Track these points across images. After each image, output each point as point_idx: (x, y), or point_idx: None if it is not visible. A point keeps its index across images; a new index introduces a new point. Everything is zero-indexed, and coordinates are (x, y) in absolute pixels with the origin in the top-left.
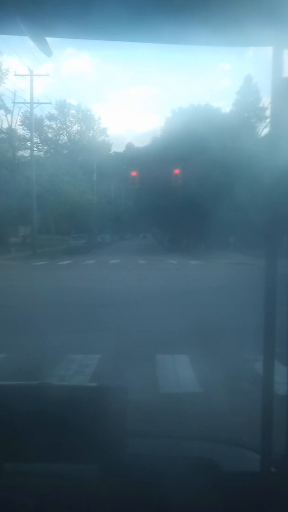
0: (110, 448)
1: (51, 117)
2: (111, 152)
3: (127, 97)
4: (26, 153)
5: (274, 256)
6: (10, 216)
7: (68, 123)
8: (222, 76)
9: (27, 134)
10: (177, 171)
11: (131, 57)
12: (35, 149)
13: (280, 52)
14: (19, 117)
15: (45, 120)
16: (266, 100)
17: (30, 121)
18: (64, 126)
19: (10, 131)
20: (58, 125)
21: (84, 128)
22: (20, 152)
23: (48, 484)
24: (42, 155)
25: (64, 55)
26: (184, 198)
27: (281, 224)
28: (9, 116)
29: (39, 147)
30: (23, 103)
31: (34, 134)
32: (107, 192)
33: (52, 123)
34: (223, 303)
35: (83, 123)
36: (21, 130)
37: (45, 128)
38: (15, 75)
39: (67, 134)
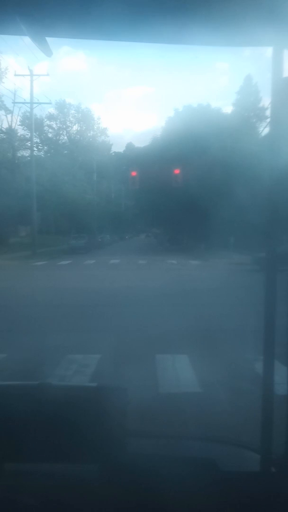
0: (110, 448)
1: (51, 117)
2: (111, 152)
3: (125, 97)
4: (26, 153)
5: (274, 256)
6: (10, 216)
7: (68, 123)
8: (219, 75)
9: (27, 134)
10: (177, 171)
11: (130, 56)
12: (35, 149)
13: (280, 52)
14: (19, 117)
15: (45, 120)
16: (266, 100)
17: (30, 121)
18: (64, 126)
19: (10, 131)
20: (58, 125)
21: (84, 128)
22: (20, 152)
23: (48, 484)
24: (42, 155)
25: (60, 54)
26: (184, 198)
27: (281, 224)
28: (9, 116)
29: (39, 147)
30: (23, 103)
31: (34, 134)
32: (107, 192)
33: (52, 123)
34: (223, 303)
35: (83, 123)
36: (21, 130)
37: (45, 128)
38: (15, 75)
39: (67, 134)
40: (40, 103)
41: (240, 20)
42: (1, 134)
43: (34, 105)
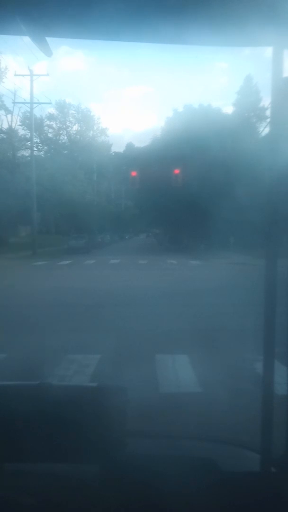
0: (110, 448)
1: (51, 117)
2: (111, 152)
3: (124, 96)
4: (26, 153)
5: (274, 256)
6: (10, 216)
7: (68, 123)
8: (219, 74)
9: (27, 134)
10: (177, 171)
11: (129, 56)
12: (35, 149)
13: (280, 52)
14: (19, 117)
15: (45, 120)
16: (266, 100)
17: (30, 121)
18: (64, 126)
19: (10, 131)
20: (58, 125)
21: (84, 128)
22: (20, 152)
23: (48, 484)
24: (42, 155)
25: (59, 53)
26: (184, 198)
27: (281, 224)
28: (9, 116)
29: (39, 147)
30: (23, 103)
31: (34, 134)
32: (107, 192)
33: (52, 123)
34: (223, 303)
35: (83, 123)
36: (21, 130)
37: (45, 128)
38: (15, 75)
39: (67, 134)
40: (40, 103)
41: (240, 20)
42: (1, 134)
43: (34, 105)
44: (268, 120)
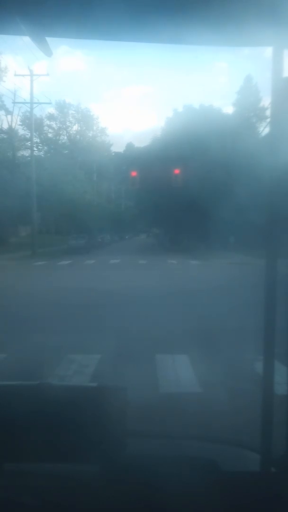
0: (110, 448)
1: (51, 117)
2: (112, 152)
3: (124, 96)
4: (26, 153)
5: (274, 256)
6: (10, 216)
7: (68, 123)
8: (218, 74)
9: (27, 134)
10: (177, 171)
11: (129, 56)
12: (35, 149)
13: (280, 52)
14: (19, 117)
15: (45, 120)
16: (266, 100)
17: (30, 121)
18: (64, 126)
19: (10, 131)
20: (58, 125)
21: (84, 128)
22: (20, 152)
23: (48, 484)
24: (42, 155)
25: (59, 53)
26: (185, 198)
27: (281, 224)
28: (9, 116)
29: (39, 147)
30: (23, 103)
31: (34, 134)
32: (107, 192)
33: (52, 123)
34: (223, 303)
35: (83, 123)
36: (21, 130)
37: (45, 128)
38: (15, 75)
39: (67, 134)
40: (40, 103)
41: (240, 20)
42: (1, 134)
43: (34, 105)
44: (268, 120)
